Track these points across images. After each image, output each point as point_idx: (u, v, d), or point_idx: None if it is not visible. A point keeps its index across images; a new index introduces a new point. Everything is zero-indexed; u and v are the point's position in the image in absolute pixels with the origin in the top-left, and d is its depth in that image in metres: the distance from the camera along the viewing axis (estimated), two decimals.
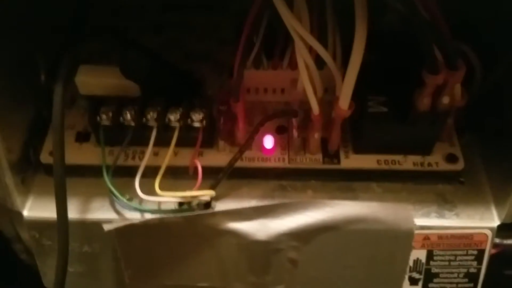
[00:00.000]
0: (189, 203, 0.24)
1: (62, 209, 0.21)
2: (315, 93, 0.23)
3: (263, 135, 0.25)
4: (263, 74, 0.25)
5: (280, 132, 0.26)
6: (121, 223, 0.23)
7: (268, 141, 0.25)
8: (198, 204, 0.24)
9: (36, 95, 0.27)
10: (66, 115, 0.26)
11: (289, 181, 0.26)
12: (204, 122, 0.24)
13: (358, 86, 0.23)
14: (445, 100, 0.21)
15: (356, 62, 0.21)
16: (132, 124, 0.24)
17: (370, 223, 0.24)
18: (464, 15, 0.24)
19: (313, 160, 0.25)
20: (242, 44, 0.23)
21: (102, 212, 0.25)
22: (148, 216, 0.24)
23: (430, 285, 0.25)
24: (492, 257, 0.26)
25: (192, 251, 0.25)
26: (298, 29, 0.21)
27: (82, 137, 0.26)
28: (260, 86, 0.26)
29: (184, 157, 0.25)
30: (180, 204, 0.24)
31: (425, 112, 0.22)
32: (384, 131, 0.24)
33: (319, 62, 0.23)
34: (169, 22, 0.30)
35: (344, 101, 0.23)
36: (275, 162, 0.25)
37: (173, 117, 0.24)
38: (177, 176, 0.25)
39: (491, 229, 0.24)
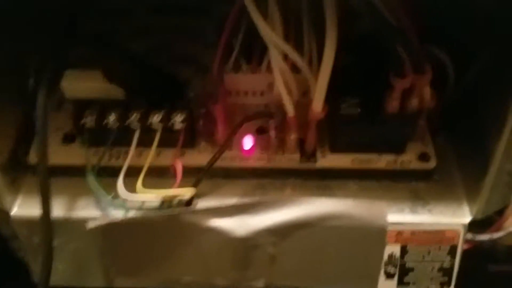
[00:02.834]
0: (170, 201, 0.24)
1: (45, 204, 0.22)
2: (290, 96, 0.24)
3: (243, 136, 0.26)
4: (242, 78, 0.26)
5: (260, 133, 0.27)
6: (104, 221, 0.24)
7: (248, 142, 0.26)
8: (179, 202, 0.25)
9: (25, 98, 0.27)
10: (54, 118, 0.29)
11: (269, 180, 0.27)
12: (185, 123, 0.25)
13: (332, 89, 0.24)
14: (414, 102, 0.22)
15: (327, 66, 0.22)
16: (116, 126, 0.25)
17: (345, 219, 0.24)
18: (436, 17, 0.25)
19: (291, 159, 0.26)
20: (221, 47, 0.24)
21: (87, 210, 0.26)
22: (131, 214, 0.25)
23: (405, 279, 0.26)
24: (472, 251, 0.27)
25: (175, 247, 0.26)
26: (271, 36, 0.22)
27: (68, 139, 0.27)
28: (240, 89, 0.27)
29: (167, 157, 0.26)
30: (162, 202, 0.25)
31: (394, 114, 0.23)
32: (357, 132, 0.25)
33: (296, 67, 0.24)
34: (153, 26, 0.31)
35: (318, 104, 0.24)
36: (255, 161, 0.26)
37: (155, 119, 0.25)
38: (160, 175, 0.26)
39: (462, 225, 0.25)
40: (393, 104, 0.22)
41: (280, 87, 0.23)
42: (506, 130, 0.21)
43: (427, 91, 0.22)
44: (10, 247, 0.30)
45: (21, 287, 0.30)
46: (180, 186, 0.25)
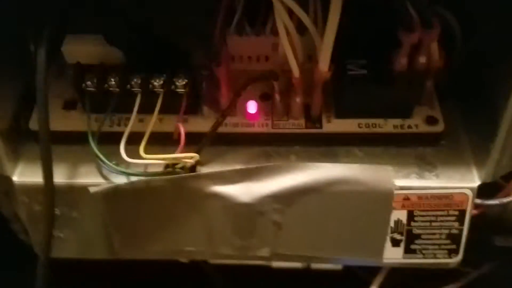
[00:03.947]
0: (173, 166, 0.24)
1: (47, 169, 0.22)
2: (295, 56, 0.24)
3: (247, 102, 0.26)
4: (246, 41, 0.26)
5: (264, 99, 0.27)
6: (107, 186, 0.24)
7: (252, 107, 0.26)
8: (182, 168, 0.25)
9: (26, 64, 0.27)
10: (55, 85, 0.28)
11: (273, 147, 0.26)
12: (188, 88, 0.25)
13: (339, 50, 0.23)
14: (422, 59, 0.22)
15: (333, 22, 0.21)
16: (117, 90, 0.25)
17: (351, 184, 0.24)
18: None
19: (296, 125, 0.26)
20: (223, 8, 0.24)
21: (89, 177, 0.25)
22: (134, 179, 0.24)
23: (412, 246, 0.26)
24: (479, 223, 0.27)
25: (178, 215, 0.26)
26: None
27: (69, 105, 0.27)
28: (244, 54, 0.27)
29: (169, 124, 0.26)
30: (165, 167, 0.24)
31: (403, 73, 0.23)
32: (364, 93, 0.24)
33: (301, 28, 0.23)
34: None
35: (324, 63, 0.23)
36: (259, 127, 0.26)
37: (157, 83, 0.24)
38: (163, 142, 0.25)
39: (471, 189, 0.24)
40: (401, 62, 0.22)
41: (285, 46, 0.22)
42: None
43: (435, 48, 0.22)
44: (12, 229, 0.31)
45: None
46: (183, 151, 0.24)
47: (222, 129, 0.25)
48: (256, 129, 0.26)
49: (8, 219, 0.30)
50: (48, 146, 0.23)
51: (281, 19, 0.22)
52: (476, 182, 0.24)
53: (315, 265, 0.38)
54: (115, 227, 0.26)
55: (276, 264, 0.37)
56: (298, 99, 0.25)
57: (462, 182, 0.24)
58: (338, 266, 0.39)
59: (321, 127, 0.26)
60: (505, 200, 0.25)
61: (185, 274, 0.36)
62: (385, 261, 0.26)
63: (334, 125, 0.26)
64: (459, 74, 0.25)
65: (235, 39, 0.25)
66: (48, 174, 0.23)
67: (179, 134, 0.24)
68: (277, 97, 0.25)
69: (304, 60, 0.25)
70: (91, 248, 0.27)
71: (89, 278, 0.38)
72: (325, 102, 0.26)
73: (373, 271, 0.32)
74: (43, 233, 0.24)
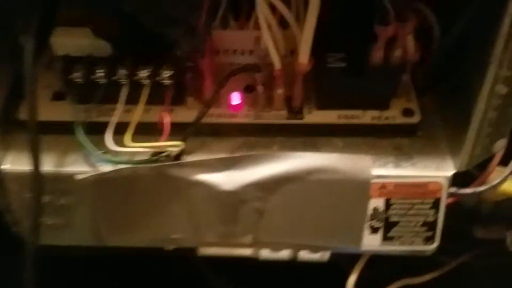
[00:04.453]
0: (159, 154, 0.25)
1: (35, 157, 0.23)
2: (277, 49, 0.24)
3: (230, 93, 0.27)
4: (230, 34, 0.26)
5: (247, 91, 0.27)
6: (93, 173, 0.25)
7: (235, 98, 0.26)
8: (168, 156, 0.25)
9: (15, 56, 0.27)
10: (44, 76, 0.29)
11: (256, 138, 0.27)
12: (173, 79, 0.25)
13: (318, 44, 0.24)
14: (398, 53, 0.23)
15: (312, 16, 0.22)
16: (104, 81, 0.25)
17: (330, 173, 0.25)
18: None
19: (278, 116, 0.27)
20: (208, 1, 0.24)
21: (76, 165, 0.26)
22: (120, 167, 0.25)
23: (389, 233, 0.27)
24: (456, 212, 0.28)
25: (163, 203, 0.26)
26: None
27: (58, 96, 0.27)
28: (228, 47, 0.27)
29: (155, 114, 0.26)
30: (151, 155, 0.25)
31: (379, 65, 0.23)
32: (343, 85, 0.25)
33: (284, 23, 0.24)
34: None
35: (304, 56, 0.24)
36: (242, 118, 0.27)
37: (143, 75, 0.25)
38: (148, 132, 0.26)
39: (445, 177, 0.25)
40: (377, 55, 0.23)
41: (266, 39, 0.23)
42: (488, 79, 0.21)
43: (410, 41, 0.22)
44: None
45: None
46: (168, 140, 0.25)
47: (206, 120, 0.26)
48: (240, 119, 0.27)
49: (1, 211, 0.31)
50: (36, 135, 0.24)
51: (263, 13, 0.23)
52: (450, 171, 0.25)
53: (301, 257, 0.39)
54: (102, 215, 0.27)
55: (263, 256, 0.38)
56: (279, 91, 0.26)
57: (437, 171, 0.25)
58: (324, 258, 0.40)
59: (302, 118, 0.27)
60: (479, 189, 0.26)
61: (172, 266, 0.37)
62: (363, 248, 0.27)
63: (315, 116, 0.27)
64: (436, 67, 0.26)
65: (219, 33, 0.26)
66: (36, 163, 0.24)
67: (164, 123, 0.25)
68: (259, 89, 0.26)
69: (286, 54, 0.26)
70: (79, 235, 0.28)
71: (80, 273, 0.39)
72: (306, 94, 0.27)
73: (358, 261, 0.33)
74: (31, 219, 0.25)
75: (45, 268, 0.26)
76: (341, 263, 0.36)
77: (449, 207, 0.27)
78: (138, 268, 0.39)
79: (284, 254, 0.38)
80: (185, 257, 0.38)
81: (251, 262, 0.36)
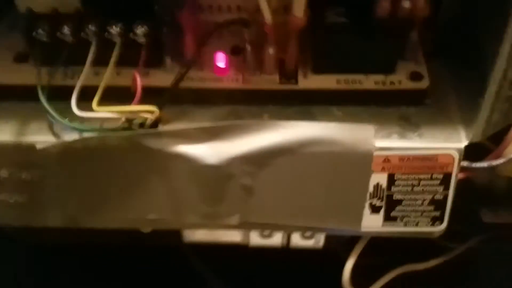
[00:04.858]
0: (130, 121, 0.22)
1: None
2: (268, 2, 0.22)
3: (215, 54, 0.24)
4: None
5: (235, 53, 0.24)
6: (55, 142, 0.22)
7: (220, 59, 0.23)
8: (142, 125, 0.22)
9: None
10: (7, 37, 0.26)
11: (244, 105, 0.24)
12: (148, 37, 0.22)
13: None
14: (406, 4, 0.20)
15: None
16: (70, 39, 0.22)
17: (327, 145, 0.22)
18: None
19: (269, 80, 0.24)
20: None
21: (39, 135, 0.23)
22: (86, 136, 0.22)
23: (392, 213, 0.24)
24: (466, 190, 0.25)
25: (138, 178, 0.23)
26: None
27: (20, 58, 0.24)
28: (212, 2, 0.24)
29: (128, 77, 0.23)
30: (123, 122, 0.22)
31: (385, 20, 0.21)
32: (343, 44, 0.22)
33: None
34: None
35: (298, 8, 0.21)
36: (228, 83, 0.24)
37: (114, 31, 0.22)
38: (121, 98, 0.23)
39: (457, 149, 0.22)
40: (383, 6, 0.20)
41: None
42: (509, 33, 0.19)
43: None
44: None
45: None
46: (138, 101, 0.22)
47: (187, 84, 0.23)
48: (225, 84, 0.24)
49: None
50: None
51: None
52: (463, 142, 0.22)
53: (294, 244, 0.37)
54: (70, 191, 0.24)
55: (253, 242, 0.36)
56: (271, 51, 0.23)
57: (448, 142, 0.22)
58: (319, 244, 0.37)
59: (296, 83, 0.24)
60: (494, 162, 0.23)
61: (159, 255, 0.35)
62: (363, 229, 0.24)
63: (311, 81, 0.24)
64: (448, 27, 0.23)
65: None
66: None
67: (137, 84, 0.22)
68: (248, 48, 0.23)
69: (279, 9, 0.22)
70: (45, 216, 0.25)
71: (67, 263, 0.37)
72: (301, 56, 0.24)
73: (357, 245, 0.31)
74: None
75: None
76: (337, 249, 0.34)
77: (458, 186, 0.24)
78: (119, 256, 0.37)
79: (276, 240, 0.36)
80: (170, 244, 0.36)
81: (241, 249, 0.35)
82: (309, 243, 0.37)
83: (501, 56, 0.19)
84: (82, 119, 0.22)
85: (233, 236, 0.35)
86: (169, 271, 0.39)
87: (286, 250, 0.36)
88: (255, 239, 0.36)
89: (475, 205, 0.31)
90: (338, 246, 0.36)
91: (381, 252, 0.32)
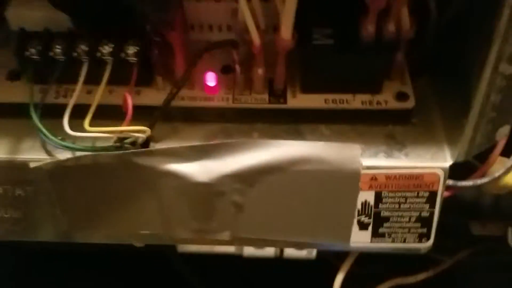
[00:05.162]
0: (121, 140, 0.22)
1: None
2: (256, 23, 0.22)
3: (206, 73, 0.24)
4: (205, 6, 0.24)
5: (225, 72, 0.25)
6: (49, 161, 0.22)
7: (211, 79, 0.24)
8: (133, 143, 0.23)
9: None
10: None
11: (234, 124, 0.24)
12: (139, 56, 0.23)
13: (303, 18, 0.21)
14: (391, 27, 0.20)
15: None
16: (62, 58, 0.23)
17: (315, 163, 0.22)
18: None
19: (258, 99, 0.24)
20: None
21: (32, 152, 0.23)
22: (79, 155, 0.23)
23: (380, 230, 0.24)
24: (453, 206, 0.26)
25: (130, 195, 0.24)
26: None
27: (13, 76, 0.25)
28: (203, 21, 0.24)
29: (120, 96, 0.23)
30: (114, 142, 0.22)
31: (370, 42, 0.21)
32: (330, 65, 0.22)
33: None
34: None
35: (286, 30, 0.21)
36: (219, 101, 0.24)
37: (105, 51, 0.23)
38: (113, 116, 0.23)
39: (442, 168, 0.22)
40: (368, 29, 0.20)
41: (244, 10, 0.20)
42: (491, 57, 0.19)
43: (405, 15, 0.20)
44: None
45: None
46: (133, 125, 0.22)
47: (178, 103, 0.24)
48: (216, 103, 0.24)
49: None
50: None
51: None
52: (448, 161, 0.23)
53: (288, 254, 0.37)
54: (63, 208, 0.24)
55: (247, 253, 0.36)
56: (260, 71, 0.23)
57: (433, 161, 0.23)
58: (312, 255, 0.38)
59: (285, 102, 0.24)
60: (479, 181, 0.23)
61: (151, 263, 0.35)
62: (352, 245, 0.25)
63: (299, 101, 0.24)
64: (433, 47, 0.24)
65: (193, 4, 0.23)
66: None
67: (127, 104, 0.22)
68: (237, 68, 0.23)
69: (267, 30, 0.23)
70: (39, 230, 0.25)
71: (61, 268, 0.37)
72: (290, 75, 0.24)
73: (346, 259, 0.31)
74: None
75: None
76: (330, 259, 0.35)
77: (445, 201, 0.25)
78: (112, 264, 0.37)
79: (270, 251, 0.36)
80: (165, 254, 0.36)
81: (235, 259, 0.35)
82: (302, 253, 0.37)
83: (483, 79, 0.20)
84: (75, 138, 0.22)
85: (227, 247, 0.36)
86: (163, 281, 0.39)
87: (279, 260, 0.36)
88: (249, 250, 0.37)
89: (464, 219, 0.31)
90: (331, 256, 0.36)
91: (372, 262, 0.32)
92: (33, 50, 0.23)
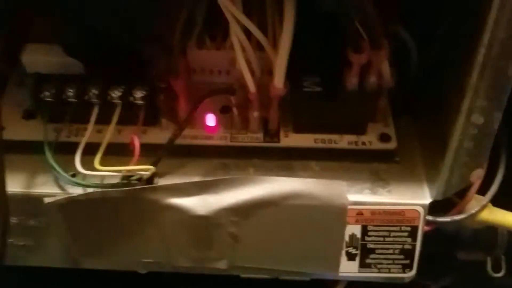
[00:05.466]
0: (128, 177, 0.24)
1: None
2: (251, 72, 0.24)
3: (206, 114, 0.26)
4: (206, 54, 0.26)
5: (223, 112, 0.27)
6: (62, 197, 0.24)
7: (210, 119, 0.26)
8: (139, 179, 0.25)
9: None
10: (16, 93, 0.28)
11: (231, 160, 0.26)
12: (147, 100, 0.25)
13: (294, 68, 0.24)
14: (372, 79, 0.22)
15: (286, 40, 0.22)
16: (74, 101, 0.25)
17: (305, 198, 0.24)
18: None
19: (254, 138, 0.26)
20: (182, 20, 0.24)
21: (46, 187, 0.25)
22: (89, 191, 0.24)
23: (367, 260, 0.26)
24: (438, 237, 0.27)
25: (135, 226, 0.26)
26: (230, 8, 0.22)
27: (28, 115, 0.27)
28: (204, 67, 0.27)
29: (128, 135, 0.26)
30: (121, 179, 0.24)
31: (354, 91, 0.23)
32: (319, 109, 0.24)
33: (260, 44, 0.24)
34: (120, 6, 0.31)
35: (279, 80, 0.23)
36: (217, 140, 0.26)
37: (115, 94, 0.25)
38: (121, 153, 0.25)
39: (422, 205, 0.24)
40: (352, 81, 0.22)
41: (240, 61, 0.22)
42: (463, 108, 0.21)
43: (385, 68, 0.22)
44: None
45: None
46: (140, 163, 0.24)
47: (181, 141, 0.26)
48: (215, 141, 0.26)
49: None
50: (1, 155, 0.23)
51: (237, 36, 0.23)
52: (427, 200, 0.24)
53: (283, 277, 0.38)
54: (73, 237, 0.26)
55: (244, 274, 0.38)
56: (255, 114, 0.25)
57: (414, 199, 0.24)
58: (307, 277, 0.39)
59: (278, 141, 0.26)
60: (457, 217, 0.25)
61: (147, 284, 0.36)
62: (341, 274, 0.26)
63: (291, 140, 0.26)
64: (414, 93, 0.26)
65: (195, 52, 0.26)
66: (0, 183, 0.23)
67: (134, 146, 0.24)
68: (235, 111, 0.25)
69: (262, 75, 0.25)
70: (50, 256, 0.27)
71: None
72: (283, 116, 0.26)
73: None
74: None
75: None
76: (328, 282, 0.36)
77: (428, 232, 0.26)
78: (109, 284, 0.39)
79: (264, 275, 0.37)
80: (164, 274, 0.37)
81: (233, 279, 0.36)
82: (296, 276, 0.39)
83: (457, 127, 0.22)
84: (85, 175, 0.24)
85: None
86: None
87: (276, 281, 0.38)
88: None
89: (446, 247, 0.33)
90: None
91: (363, 284, 0.34)
92: (47, 93, 0.25)
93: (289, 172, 0.26)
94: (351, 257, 0.26)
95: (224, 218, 0.25)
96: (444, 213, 0.26)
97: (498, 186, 0.25)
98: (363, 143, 0.25)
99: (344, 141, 0.25)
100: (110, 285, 0.37)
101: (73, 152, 0.25)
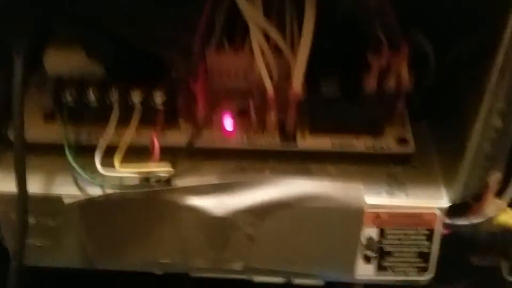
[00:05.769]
0: (147, 179, 0.25)
1: (20, 177, 0.22)
2: (270, 76, 0.24)
3: (224, 117, 0.26)
4: (225, 57, 0.26)
5: (241, 114, 0.27)
6: (82, 198, 0.25)
7: (228, 122, 0.26)
8: (157, 181, 0.25)
9: (9, 75, 0.28)
10: (36, 95, 0.28)
11: (248, 162, 0.27)
12: (166, 102, 0.25)
13: (313, 70, 0.24)
14: (391, 82, 0.22)
15: (306, 43, 0.22)
16: (95, 103, 0.25)
17: (322, 201, 0.24)
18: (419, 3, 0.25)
19: (271, 141, 0.26)
20: (203, 23, 0.24)
21: (65, 188, 0.26)
22: (109, 191, 0.25)
23: (384, 263, 0.26)
24: (453, 241, 0.27)
25: (153, 227, 0.26)
26: (250, 12, 0.22)
27: (49, 116, 0.27)
28: (222, 70, 0.27)
29: (147, 136, 0.26)
30: (140, 179, 0.25)
31: (372, 94, 0.23)
32: (337, 112, 0.25)
33: (278, 48, 0.24)
34: (140, 11, 0.31)
35: (297, 83, 0.24)
36: (235, 142, 0.26)
37: (135, 97, 0.25)
38: (140, 155, 0.26)
39: (440, 209, 0.24)
40: (370, 83, 0.22)
41: (259, 65, 0.23)
42: (482, 111, 0.21)
43: (404, 71, 0.22)
44: None
45: None
46: (158, 164, 0.25)
47: (198, 143, 0.26)
48: (232, 144, 0.26)
49: None
50: (22, 156, 0.23)
51: (257, 40, 0.23)
52: (445, 202, 0.25)
53: (297, 281, 0.38)
54: (90, 238, 0.26)
55: (258, 278, 0.38)
56: (272, 116, 0.25)
57: (432, 201, 0.25)
58: (320, 282, 0.39)
59: (295, 144, 0.26)
60: (474, 221, 0.25)
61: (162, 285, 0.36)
62: (357, 277, 0.27)
63: (308, 143, 0.26)
64: (432, 96, 0.26)
65: (214, 55, 0.26)
66: (21, 184, 0.23)
67: (154, 148, 0.24)
68: (252, 114, 0.26)
69: (280, 78, 0.25)
70: (67, 257, 0.27)
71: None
72: (300, 119, 0.26)
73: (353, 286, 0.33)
74: (16, 241, 0.24)
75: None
76: (338, 286, 0.36)
77: (444, 237, 0.26)
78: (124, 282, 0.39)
79: (279, 277, 0.38)
80: (177, 276, 0.37)
81: (246, 284, 0.36)
82: (310, 281, 0.39)
83: (476, 131, 0.22)
84: (105, 176, 0.25)
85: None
86: None
87: (289, 285, 0.37)
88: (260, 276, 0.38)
89: (462, 251, 0.33)
90: (338, 284, 0.37)
91: None
92: (68, 96, 0.25)
93: (306, 174, 0.26)
94: (367, 259, 0.26)
95: (241, 219, 0.25)
96: (460, 216, 0.27)
97: None
98: (381, 147, 0.25)
99: (361, 144, 0.26)
100: None
101: (92, 153, 0.25)
